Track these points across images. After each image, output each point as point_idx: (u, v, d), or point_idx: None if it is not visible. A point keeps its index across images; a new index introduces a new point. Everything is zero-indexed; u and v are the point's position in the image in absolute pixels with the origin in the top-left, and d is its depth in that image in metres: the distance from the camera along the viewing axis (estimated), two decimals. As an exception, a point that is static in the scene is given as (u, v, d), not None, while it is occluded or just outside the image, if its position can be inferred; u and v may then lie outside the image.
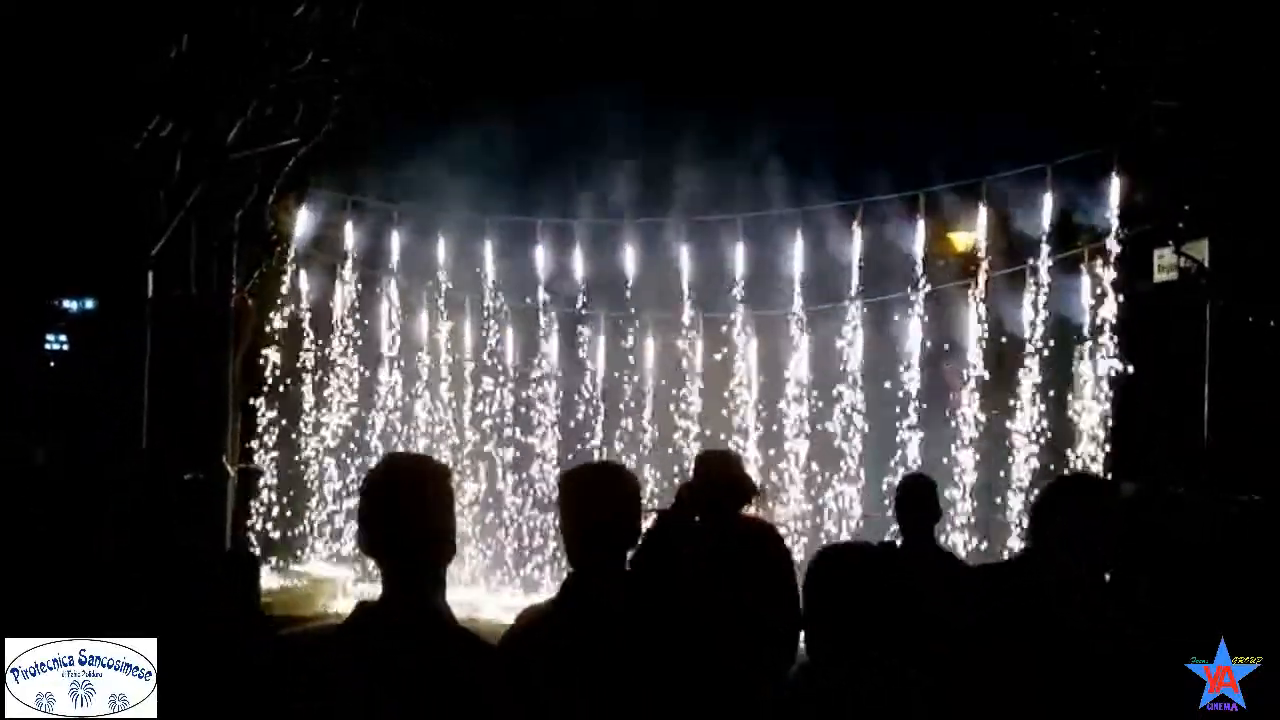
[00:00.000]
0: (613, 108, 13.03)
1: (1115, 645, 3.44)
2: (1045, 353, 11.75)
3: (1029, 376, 11.76)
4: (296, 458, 14.05)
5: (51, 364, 14.55)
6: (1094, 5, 9.97)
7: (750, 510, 5.48)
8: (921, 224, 12.36)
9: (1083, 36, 10.04)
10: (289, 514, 13.92)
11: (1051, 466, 11.38)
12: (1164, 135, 10.05)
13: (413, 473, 2.74)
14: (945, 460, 12.16)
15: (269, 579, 13.45)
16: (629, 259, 13.83)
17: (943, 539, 11.76)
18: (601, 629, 2.82)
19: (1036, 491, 3.86)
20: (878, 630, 2.78)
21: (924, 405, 12.41)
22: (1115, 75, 10.03)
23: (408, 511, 2.63)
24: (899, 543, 5.55)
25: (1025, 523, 3.89)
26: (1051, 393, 11.83)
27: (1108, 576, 3.75)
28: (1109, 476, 10.89)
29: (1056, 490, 3.80)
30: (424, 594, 2.62)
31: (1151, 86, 9.83)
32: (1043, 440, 11.76)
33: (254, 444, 13.79)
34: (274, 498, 13.87)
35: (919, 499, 5.53)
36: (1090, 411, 11.43)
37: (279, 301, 13.87)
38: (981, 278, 12.18)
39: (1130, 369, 11.11)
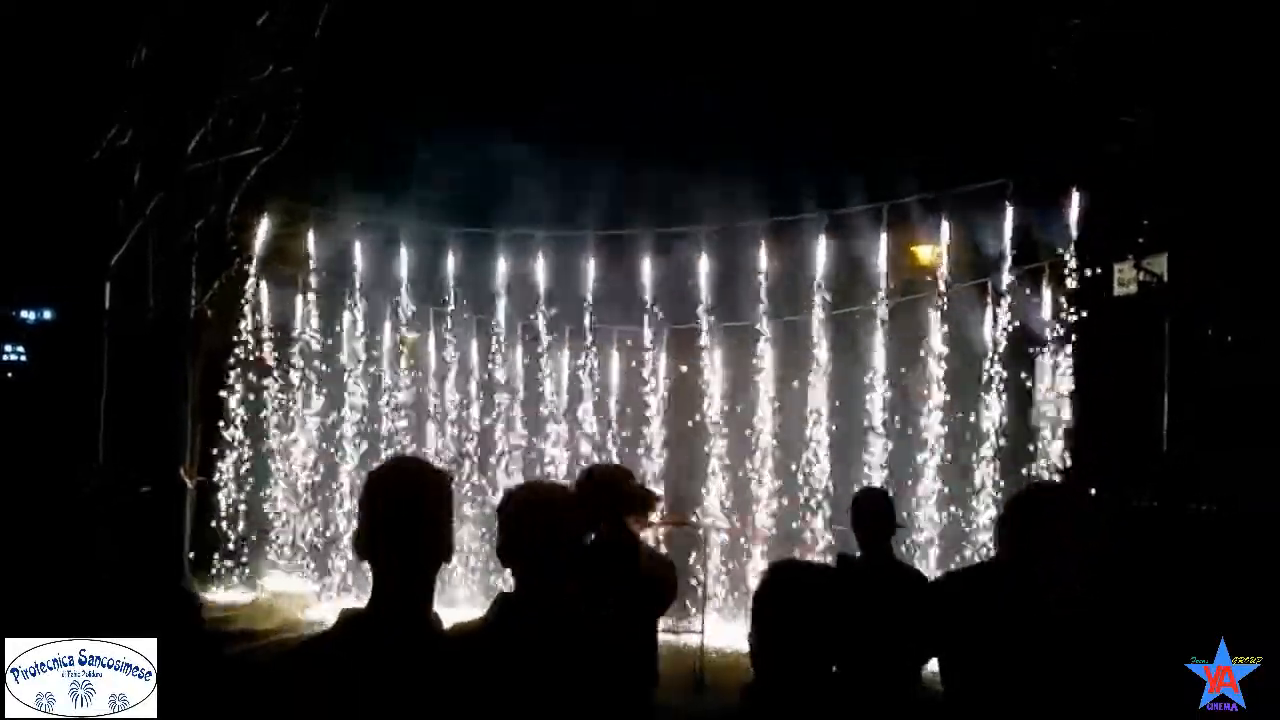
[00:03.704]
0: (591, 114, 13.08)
1: (1113, 650, 3.48)
2: (1006, 366, 11.88)
3: (989, 389, 11.88)
4: (258, 471, 13.88)
5: (9, 374, 14.34)
6: (1060, 20, 10.16)
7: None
8: (885, 237, 12.47)
9: (1045, 52, 10.23)
10: (250, 527, 13.75)
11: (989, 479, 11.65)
12: (1125, 151, 10.23)
13: (415, 475, 2.71)
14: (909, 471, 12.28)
15: (230, 593, 13.29)
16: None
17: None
18: (544, 647, 2.80)
19: (1007, 500, 3.81)
20: (830, 648, 2.76)
21: (887, 419, 12.51)
22: (1079, 90, 10.21)
23: (407, 514, 2.60)
24: (856, 556, 5.60)
25: (997, 531, 3.81)
26: (1002, 408, 11.94)
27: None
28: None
29: (1034, 499, 3.78)
30: (414, 601, 2.60)
31: (1116, 102, 10.01)
32: (1002, 452, 11.88)
33: (215, 456, 13.61)
34: (235, 510, 13.70)
35: (875, 513, 5.57)
36: (1050, 424, 11.56)
37: (239, 313, 13.71)
38: (941, 289, 12.32)
39: (1089, 382, 11.26)
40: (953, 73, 11.95)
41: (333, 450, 13.98)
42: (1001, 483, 11.59)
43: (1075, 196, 11.16)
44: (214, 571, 13.47)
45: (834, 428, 12.85)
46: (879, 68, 13.05)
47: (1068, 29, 10.13)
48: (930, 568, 11.47)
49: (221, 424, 13.67)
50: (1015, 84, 10.72)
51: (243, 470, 13.82)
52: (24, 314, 14.65)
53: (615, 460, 12.94)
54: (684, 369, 13.72)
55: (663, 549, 10.60)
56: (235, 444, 13.78)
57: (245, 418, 13.82)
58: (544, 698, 2.71)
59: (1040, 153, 11.19)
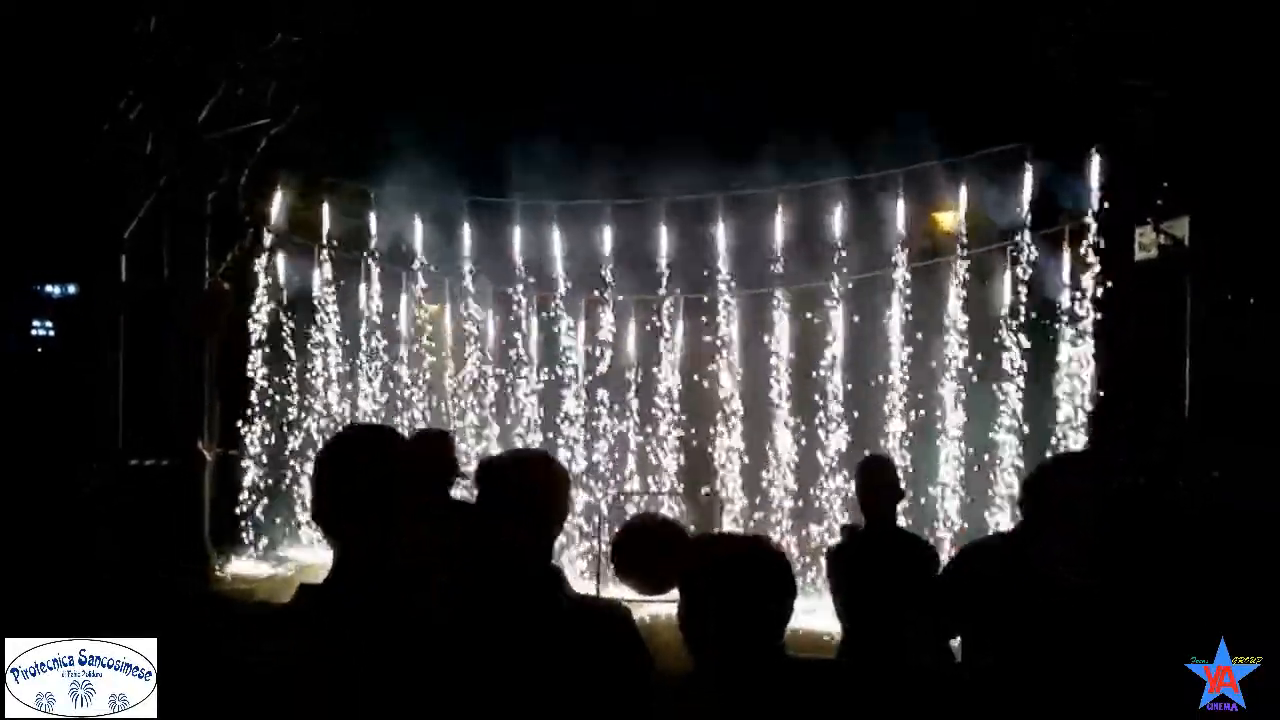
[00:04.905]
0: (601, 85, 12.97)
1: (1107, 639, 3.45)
2: (1025, 332, 11.76)
3: (1009, 356, 11.78)
4: (281, 442, 13.95)
5: (39, 350, 14.45)
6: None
7: None
8: (901, 203, 12.32)
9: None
10: (274, 499, 13.83)
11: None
12: (1143, 113, 10.07)
13: (361, 443, 2.64)
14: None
15: (252, 565, 13.38)
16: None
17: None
18: (507, 620, 2.74)
19: (1029, 470, 3.87)
20: (739, 623, 2.68)
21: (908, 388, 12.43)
22: (1093, 54, 10.05)
23: (354, 482, 2.53)
24: (861, 525, 5.56)
25: (1020, 498, 3.88)
26: (1021, 372, 11.83)
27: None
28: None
29: (1053, 468, 3.86)
30: (372, 572, 2.52)
31: (1129, 65, 9.85)
32: (1021, 421, 11.79)
33: (236, 429, 13.65)
34: (258, 482, 13.77)
35: (878, 480, 5.50)
36: (1070, 391, 11.44)
37: (255, 284, 13.71)
38: (960, 256, 12.19)
39: (1110, 350, 11.12)
40: (971, 40, 11.75)
41: (354, 422, 14.00)
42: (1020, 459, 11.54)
43: (1095, 161, 10.99)
44: (236, 544, 13.55)
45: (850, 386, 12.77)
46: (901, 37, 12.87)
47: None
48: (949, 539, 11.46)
49: (242, 396, 13.69)
50: (1034, 47, 10.55)
51: (265, 442, 13.87)
52: (50, 289, 14.75)
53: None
54: (706, 338, 13.65)
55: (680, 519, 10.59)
56: (256, 416, 13.81)
57: (266, 389, 13.86)
58: (508, 671, 2.66)
59: (1060, 119, 11.00)
